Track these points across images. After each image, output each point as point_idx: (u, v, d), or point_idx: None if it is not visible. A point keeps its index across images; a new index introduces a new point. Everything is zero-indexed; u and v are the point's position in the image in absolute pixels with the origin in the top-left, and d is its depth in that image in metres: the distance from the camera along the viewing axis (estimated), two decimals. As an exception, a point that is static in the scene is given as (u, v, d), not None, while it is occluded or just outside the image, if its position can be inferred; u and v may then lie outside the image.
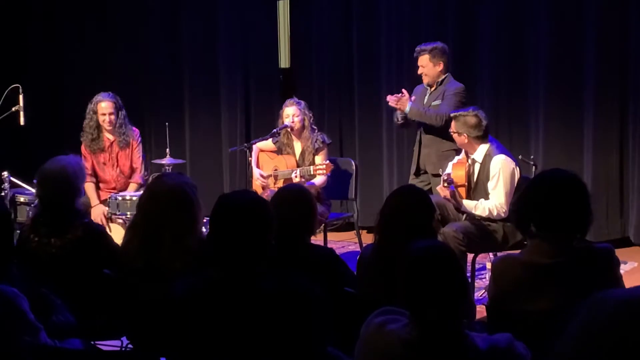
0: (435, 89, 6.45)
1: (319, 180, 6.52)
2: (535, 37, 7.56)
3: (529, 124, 7.68)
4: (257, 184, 6.67)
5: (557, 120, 7.54)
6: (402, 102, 6.36)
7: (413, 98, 6.48)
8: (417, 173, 6.54)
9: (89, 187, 6.54)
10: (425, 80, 6.47)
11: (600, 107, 7.34)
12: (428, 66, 6.40)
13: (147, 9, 9.06)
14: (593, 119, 7.36)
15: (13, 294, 3.07)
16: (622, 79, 7.30)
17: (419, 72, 6.47)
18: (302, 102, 6.71)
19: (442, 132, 6.23)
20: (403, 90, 6.45)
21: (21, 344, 3.02)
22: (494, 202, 5.47)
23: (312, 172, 6.43)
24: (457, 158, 5.86)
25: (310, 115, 6.70)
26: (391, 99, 6.39)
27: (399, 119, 6.51)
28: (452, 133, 5.70)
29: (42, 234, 4.07)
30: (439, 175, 6.02)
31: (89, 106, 6.85)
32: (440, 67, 6.40)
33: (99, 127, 6.82)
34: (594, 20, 7.29)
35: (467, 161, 5.69)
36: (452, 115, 5.73)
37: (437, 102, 6.36)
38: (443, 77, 6.43)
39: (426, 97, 6.49)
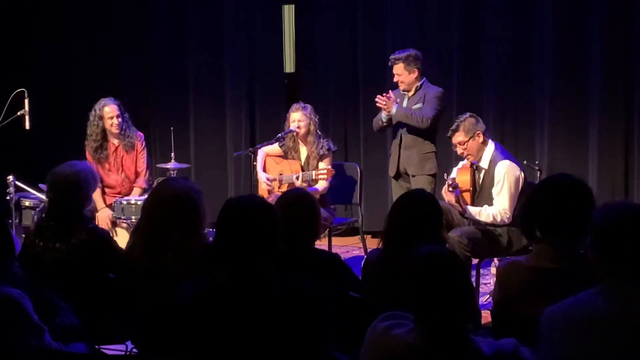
0: (414, 94, 6.54)
1: (321, 186, 6.53)
2: (541, 41, 7.55)
3: (534, 128, 7.67)
4: (263, 188, 6.68)
5: (562, 125, 7.53)
6: (389, 104, 6.41)
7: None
8: (397, 177, 6.60)
9: (96, 192, 6.53)
10: (402, 87, 6.60)
11: (605, 112, 7.33)
12: (403, 74, 6.51)
13: (153, 14, 9.07)
14: (598, 124, 7.35)
15: (17, 295, 3.09)
16: (628, 84, 7.30)
17: (395, 79, 6.59)
18: (309, 107, 6.73)
19: (424, 133, 6.38)
20: (390, 92, 6.53)
21: (26, 346, 3.03)
22: (497, 208, 5.46)
23: (314, 177, 6.44)
24: (461, 163, 5.86)
25: (317, 120, 6.71)
26: (381, 99, 6.44)
27: (383, 122, 6.59)
28: (467, 144, 5.61)
29: (47, 238, 4.07)
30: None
31: (92, 113, 6.85)
32: (415, 73, 6.49)
33: (104, 133, 6.82)
34: (599, 26, 7.28)
35: (472, 167, 5.68)
36: (452, 130, 5.71)
37: (418, 105, 6.46)
38: (420, 82, 6.53)
39: (405, 101, 6.59)
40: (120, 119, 6.81)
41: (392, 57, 6.59)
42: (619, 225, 2.61)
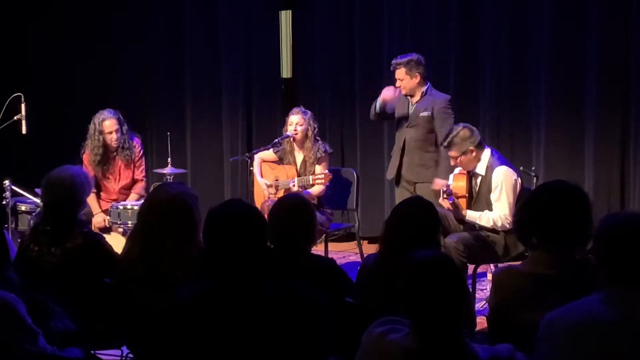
0: (419, 99, 6.51)
1: (317, 189, 6.53)
2: (538, 47, 7.56)
3: (531, 134, 7.68)
4: (262, 193, 6.68)
5: (558, 131, 7.53)
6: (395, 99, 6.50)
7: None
8: (398, 182, 6.58)
9: (90, 197, 6.50)
10: (404, 91, 6.55)
11: (601, 118, 7.34)
12: (405, 79, 6.48)
13: (150, 19, 9.07)
14: (594, 129, 7.36)
15: (10, 299, 3.09)
16: (624, 90, 7.30)
17: (397, 85, 6.55)
18: (309, 112, 6.72)
19: (427, 140, 6.33)
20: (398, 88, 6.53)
21: (21, 351, 3.03)
22: (498, 213, 5.46)
23: (310, 182, 6.44)
24: (458, 169, 5.86)
25: (315, 126, 6.71)
26: (389, 90, 6.47)
27: (377, 111, 6.61)
28: (459, 158, 5.62)
29: (43, 242, 4.07)
30: (424, 182, 6.11)
31: (91, 127, 6.77)
32: (417, 78, 6.47)
33: (105, 146, 6.77)
34: (596, 32, 7.29)
35: (468, 173, 5.68)
36: (444, 145, 5.71)
37: (426, 113, 6.42)
38: (424, 87, 6.51)
39: (411, 107, 6.53)
40: (119, 134, 6.76)
41: (393, 62, 6.57)
42: (619, 232, 2.61)
